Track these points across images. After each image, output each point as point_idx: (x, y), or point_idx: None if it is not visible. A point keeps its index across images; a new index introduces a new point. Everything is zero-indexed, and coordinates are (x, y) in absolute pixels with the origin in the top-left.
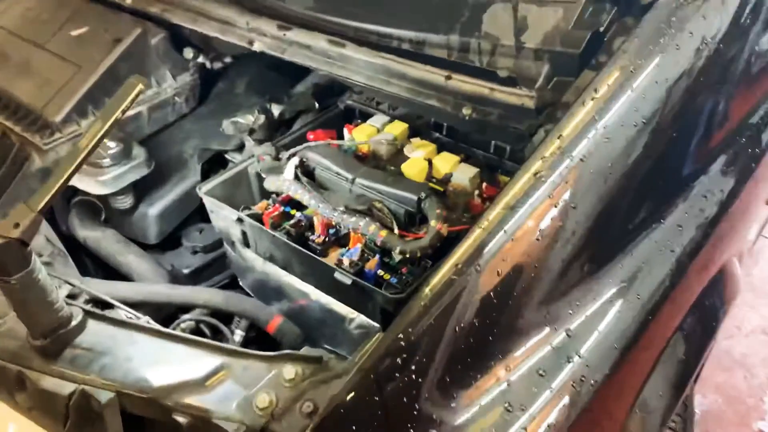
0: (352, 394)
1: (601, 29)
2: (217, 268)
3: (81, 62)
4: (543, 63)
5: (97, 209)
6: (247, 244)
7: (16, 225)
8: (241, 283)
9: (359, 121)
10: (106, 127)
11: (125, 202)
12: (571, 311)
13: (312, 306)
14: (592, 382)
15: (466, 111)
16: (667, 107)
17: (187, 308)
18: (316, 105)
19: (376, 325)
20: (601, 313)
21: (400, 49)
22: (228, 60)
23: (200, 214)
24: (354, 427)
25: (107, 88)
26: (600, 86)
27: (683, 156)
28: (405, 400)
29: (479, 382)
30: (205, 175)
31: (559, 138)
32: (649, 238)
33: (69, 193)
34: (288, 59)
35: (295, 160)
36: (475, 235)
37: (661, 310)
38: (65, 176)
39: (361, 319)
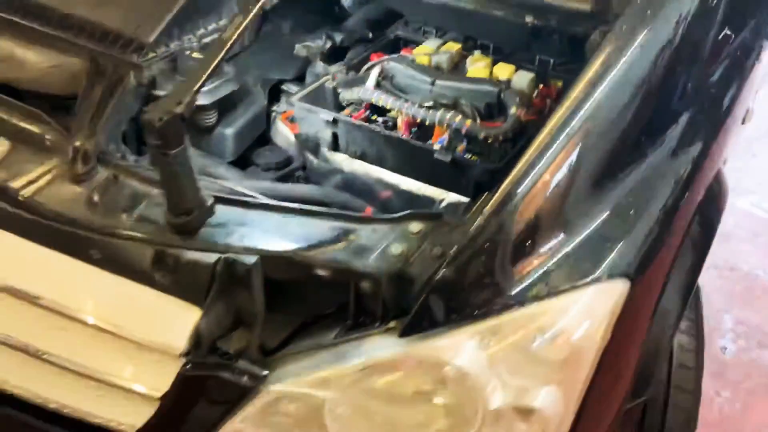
0: (472, 239)
1: None
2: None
3: None
4: None
5: None
6: (335, 147)
7: (179, 102)
8: None
9: (413, 46)
10: (249, 18)
11: (211, 118)
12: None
13: (399, 195)
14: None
15: (528, 18)
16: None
17: None
18: (370, 35)
19: (466, 199)
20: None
21: None
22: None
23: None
24: (477, 269)
25: (189, 15)
26: None
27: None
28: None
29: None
30: None
31: (620, 32)
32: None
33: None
34: None
35: (377, 70)
36: (565, 106)
37: (676, 215)
38: (215, 61)
39: (451, 197)
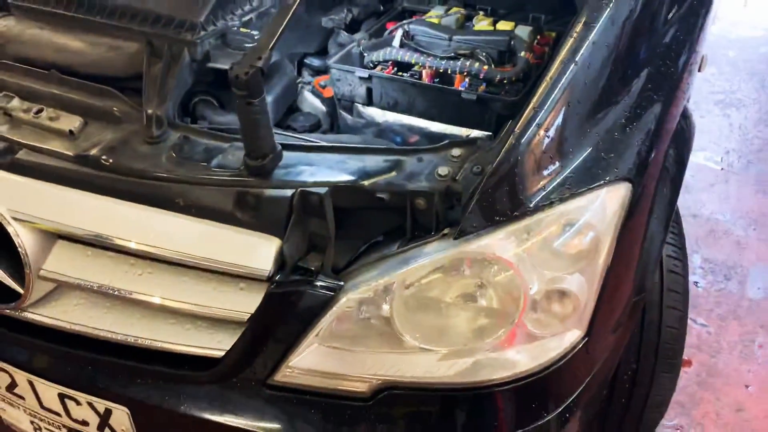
0: (504, 157)
1: None
2: None
3: None
4: None
5: (216, 104)
6: (369, 102)
7: (259, 57)
8: None
9: (420, 15)
10: None
11: None
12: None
13: (427, 137)
14: None
15: None
16: None
17: None
18: (381, 7)
19: (490, 134)
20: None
21: None
22: None
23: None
24: (509, 181)
25: None
26: None
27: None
28: (536, 154)
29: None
30: None
31: None
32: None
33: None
34: None
35: (400, 32)
36: (565, 48)
37: (659, 136)
38: (284, 22)
39: (476, 133)
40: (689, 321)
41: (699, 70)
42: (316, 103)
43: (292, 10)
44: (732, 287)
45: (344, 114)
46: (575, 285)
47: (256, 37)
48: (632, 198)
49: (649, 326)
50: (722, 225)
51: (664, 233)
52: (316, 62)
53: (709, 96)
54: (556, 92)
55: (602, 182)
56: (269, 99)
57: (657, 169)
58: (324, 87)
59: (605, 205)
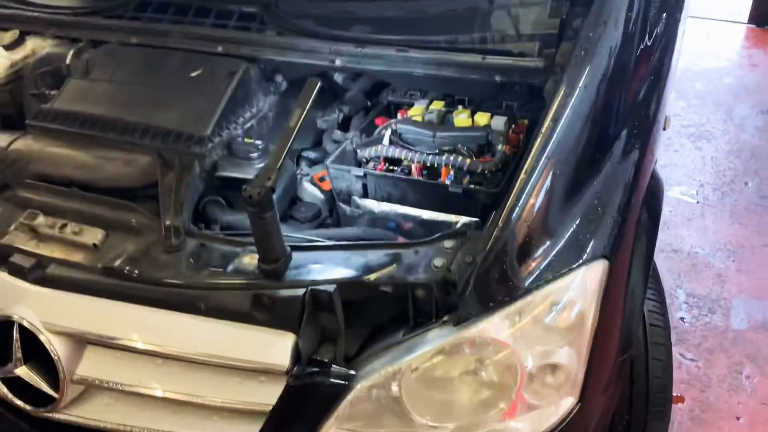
0: (491, 247)
1: (564, 17)
2: None
3: (208, 93)
4: (535, 42)
5: (225, 204)
6: (365, 195)
7: (269, 177)
8: None
9: (405, 107)
10: (305, 112)
11: None
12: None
13: (420, 224)
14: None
15: (498, 78)
16: (614, 59)
17: None
18: (368, 103)
19: (477, 219)
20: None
21: (444, 48)
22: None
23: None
24: (499, 268)
25: (233, 109)
26: (579, 50)
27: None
28: (520, 241)
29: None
30: None
31: (567, 80)
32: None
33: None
34: (363, 68)
35: (389, 131)
36: (537, 142)
37: (629, 208)
38: (288, 144)
39: (464, 219)
40: (679, 357)
41: (664, 129)
42: (316, 192)
43: (294, 132)
44: (717, 320)
45: (343, 206)
46: (565, 357)
47: (259, 147)
48: (609, 272)
49: (638, 379)
50: (702, 258)
51: (644, 292)
52: (312, 155)
53: (681, 129)
54: (531, 184)
55: (581, 262)
56: (274, 196)
57: (631, 238)
58: (322, 180)
59: (586, 282)
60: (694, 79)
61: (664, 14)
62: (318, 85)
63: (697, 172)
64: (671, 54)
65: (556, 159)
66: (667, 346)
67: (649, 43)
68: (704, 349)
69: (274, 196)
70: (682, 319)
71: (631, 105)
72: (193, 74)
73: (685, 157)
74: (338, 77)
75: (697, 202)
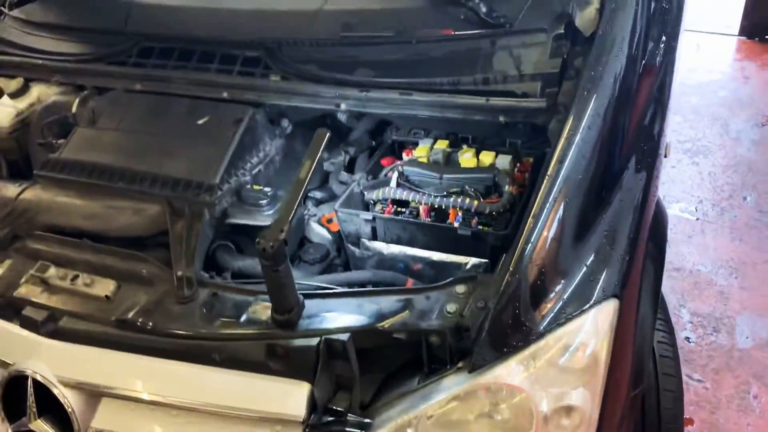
0: (503, 291)
1: (565, 56)
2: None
3: (216, 140)
4: (538, 81)
5: (234, 249)
6: (374, 237)
7: (281, 230)
8: None
9: (410, 147)
10: (314, 162)
11: None
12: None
13: (429, 265)
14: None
15: (502, 118)
16: (615, 96)
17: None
18: (373, 143)
19: (486, 260)
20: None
21: (448, 90)
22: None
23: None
24: (511, 312)
25: (241, 155)
26: (582, 90)
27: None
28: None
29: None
30: None
31: (571, 120)
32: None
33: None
34: (368, 111)
35: (396, 174)
36: (545, 183)
37: (637, 242)
38: (299, 197)
39: (473, 261)
40: (686, 378)
41: (665, 156)
42: (324, 233)
43: (305, 184)
44: (722, 339)
45: (352, 248)
46: (580, 399)
47: (268, 194)
48: (620, 311)
49: (649, 411)
50: (704, 276)
51: (653, 324)
52: (319, 195)
53: (678, 145)
54: (539, 226)
55: (592, 302)
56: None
57: (639, 272)
58: (330, 222)
59: (597, 323)
60: (689, 93)
61: (662, 43)
62: (327, 136)
63: (696, 188)
64: (670, 83)
65: (564, 200)
66: (678, 377)
67: (649, 76)
68: (711, 370)
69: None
70: (687, 339)
71: (634, 139)
72: (200, 121)
73: (682, 173)
74: (342, 116)
75: (697, 219)
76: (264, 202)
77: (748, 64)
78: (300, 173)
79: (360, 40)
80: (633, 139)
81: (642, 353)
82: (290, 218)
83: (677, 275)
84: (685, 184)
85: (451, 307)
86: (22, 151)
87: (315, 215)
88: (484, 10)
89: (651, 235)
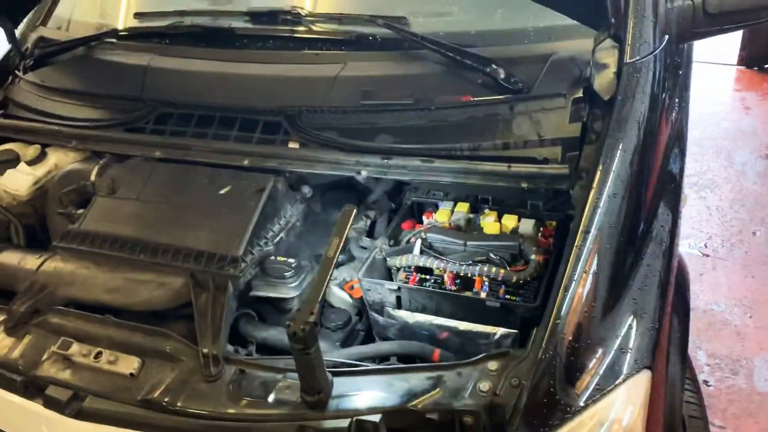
0: (539, 363)
1: (584, 120)
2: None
3: (238, 210)
4: (558, 146)
5: (256, 318)
6: (399, 306)
7: (311, 312)
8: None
9: (430, 209)
10: (342, 240)
11: (295, 302)
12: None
13: (456, 334)
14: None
15: (524, 184)
16: (637, 161)
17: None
18: (392, 206)
19: (515, 331)
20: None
21: (468, 156)
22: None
23: None
24: (547, 389)
25: (263, 224)
26: (605, 156)
27: (648, 184)
28: (565, 361)
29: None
30: None
31: (595, 187)
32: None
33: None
34: (389, 177)
35: (419, 241)
36: (572, 257)
37: (665, 305)
38: (329, 275)
39: (501, 331)
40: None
41: (682, 207)
42: (345, 298)
43: (334, 263)
44: (741, 382)
45: (375, 316)
46: None
47: (293, 265)
48: (653, 380)
49: None
50: (719, 316)
51: (682, 383)
52: (339, 257)
53: (684, 179)
54: (569, 298)
55: (626, 376)
56: None
57: (666, 337)
58: (352, 289)
59: (631, 396)
60: (692, 126)
61: (677, 97)
62: (354, 212)
63: (704, 224)
64: (686, 133)
65: (592, 271)
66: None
67: (668, 131)
68: (731, 415)
69: None
70: (706, 382)
71: (657, 202)
72: (222, 191)
73: (690, 208)
74: (360, 177)
75: (707, 256)
76: (288, 274)
77: (749, 95)
78: (328, 251)
79: (380, 107)
80: (656, 202)
81: (673, 417)
82: (320, 298)
83: (691, 315)
84: (693, 219)
85: (485, 385)
86: (38, 216)
87: (335, 278)
88: (502, 75)
89: (676, 291)
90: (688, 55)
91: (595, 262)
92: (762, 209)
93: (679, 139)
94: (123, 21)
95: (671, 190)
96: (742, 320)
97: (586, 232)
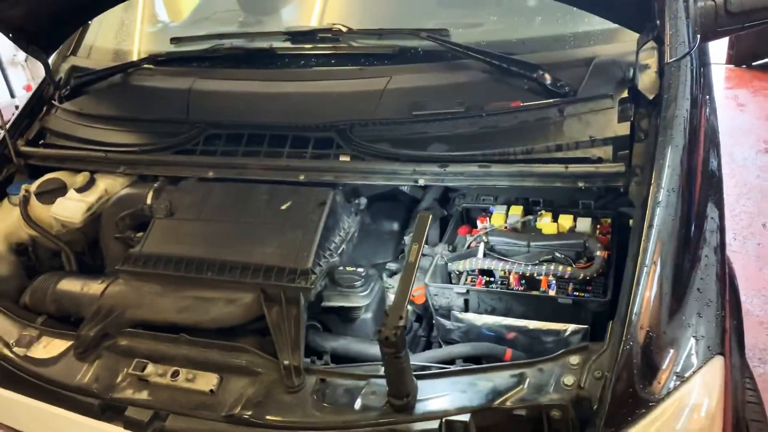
0: (621, 355)
1: (632, 119)
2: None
3: (301, 224)
4: (609, 146)
5: (321, 329)
6: (465, 309)
7: (400, 317)
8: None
9: (483, 214)
10: (421, 247)
11: (363, 311)
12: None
13: (524, 333)
14: None
15: (581, 184)
16: (686, 156)
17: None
18: (445, 212)
19: (587, 326)
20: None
21: (522, 159)
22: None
23: None
24: (629, 380)
25: (327, 236)
26: (660, 149)
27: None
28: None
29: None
30: None
31: (654, 182)
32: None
33: None
34: (445, 184)
35: (482, 245)
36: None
37: (724, 293)
38: (412, 280)
39: (572, 327)
40: None
41: None
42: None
43: (416, 268)
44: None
45: (442, 321)
46: None
47: (362, 274)
48: (726, 367)
49: None
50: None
51: (742, 372)
52: (393, 266)
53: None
54: (641, 290)
55: (701, 363)
56: (369, 316)
57: (728, 324)
58: (415, 296)
59: (708, 381)
60: None
61: (708, 94)
62: (430, 218)
63: None
64: (717, 128)
65: (659, 263)
66: (765, 422)
67: (705, 126)
68: (765, 402)
69: (369, 316)
70: None
71: (706, 191)
72: (284, 207)
73: None
74: (405, 187)
75: None
76: (359, 283)
77: (741, 92)
78: (409, 257)
79: (432, 117)
80: (703, 196)
81: (737, 403)
82: (406, 303)
83: None
84: None
85: (569, 380)
86: (87, 243)
87: (392, 287)
88: (548, 80)
89: (730, 283)
90: (709, 57)
91: (660, 254)
92: None
93: (713, 134)
94: (160, 46)
95: (715, 184)
96: (764, 310)
97: (650, 226)
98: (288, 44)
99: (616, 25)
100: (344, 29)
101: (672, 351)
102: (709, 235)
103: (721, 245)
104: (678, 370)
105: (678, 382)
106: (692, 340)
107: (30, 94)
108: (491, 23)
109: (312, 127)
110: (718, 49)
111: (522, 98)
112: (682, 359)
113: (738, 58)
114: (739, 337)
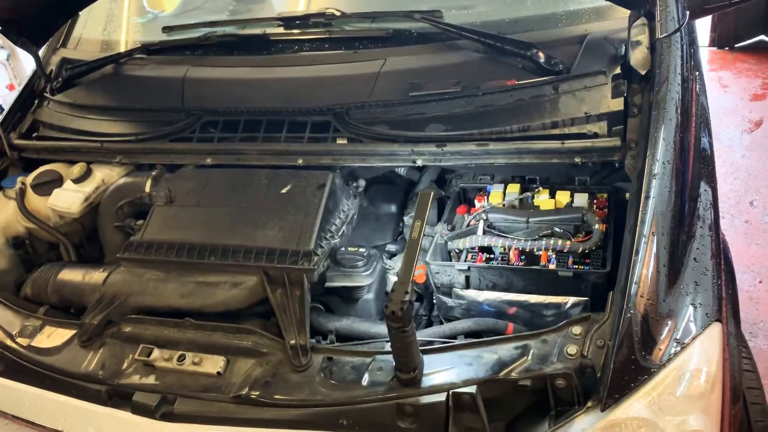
0: (622, 323)
1: (625, 94)
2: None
3: (302, 207)
4: (604, 121)
5: (323, 310)
6: (467, 286)
7: (406, 292)
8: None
9: (480, 193)
10: (424, 224)
11: (365, 291)
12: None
13: (524, 307)
14: None
15: (577, 159)
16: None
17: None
18: (442, 192)
19: (586, 298)
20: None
21: (519, 137)
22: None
23: None
24: (631, 348)
25: (327, 219)
26: (653, 126)
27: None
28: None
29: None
30: None
31: (649, 156)
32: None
33: None
34: (444, 165)
35: (482, 222)
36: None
37: (719, 262)
38: (416, 256)
39: (572, 300)
40: None
41: None
42: None
43: (420, 244)
44: (761, 343)
45: (443, 298)
46: (701, 423)
47: (364, 254)
48: (724, 334)
49: (742, 427)
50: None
51: (738, 339)
52: (392, 247)
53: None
54: (640, 261)
55: (700, 329)
56: (371, 296)
57: (724, 291)
58: (416, 275)
59: (707, 347)
60: None
61: (697, 71)
62: (431, 195)
63: None
64: (707, 104)
65: (657, 233)
66: (760, 389)
67: (696, 102)
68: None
69: (372, 295)
70: None
71: (698, 164)
72: (284, 190)
73: None
74: (401, 169)
75: None
76: (361, 263)
77: (724, 74)
78: (412, 234)
79: (428, 97)
80: (697, 164)
81: (734, 368)
82: (411, 278)
83: None
84: None
85: (572, 349)
86: (84, 233)
87: (392, 268)
88: (542, 58)
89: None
90: (696, 37)
91: (658, 225)
92: (755, 180)
93: (703, 111)
94: (150, 36)
95: (706, 157)
96: (753, 286)
97: (647, 197)
98: (281, 30)
99: (608, 3)
100: (337, 13)
101: (671, 319)
102: (703, 207)
103: (715, 216)
104: (677, 337)
105: (678, 349)
106: (690, 308)
107: (15, 92)
108: (483, 4)
109: (309, 111)
110: (701, 31)
111: (517, 77)
112: (681, 326)
113: (720, 40)
114: (735, 306)
